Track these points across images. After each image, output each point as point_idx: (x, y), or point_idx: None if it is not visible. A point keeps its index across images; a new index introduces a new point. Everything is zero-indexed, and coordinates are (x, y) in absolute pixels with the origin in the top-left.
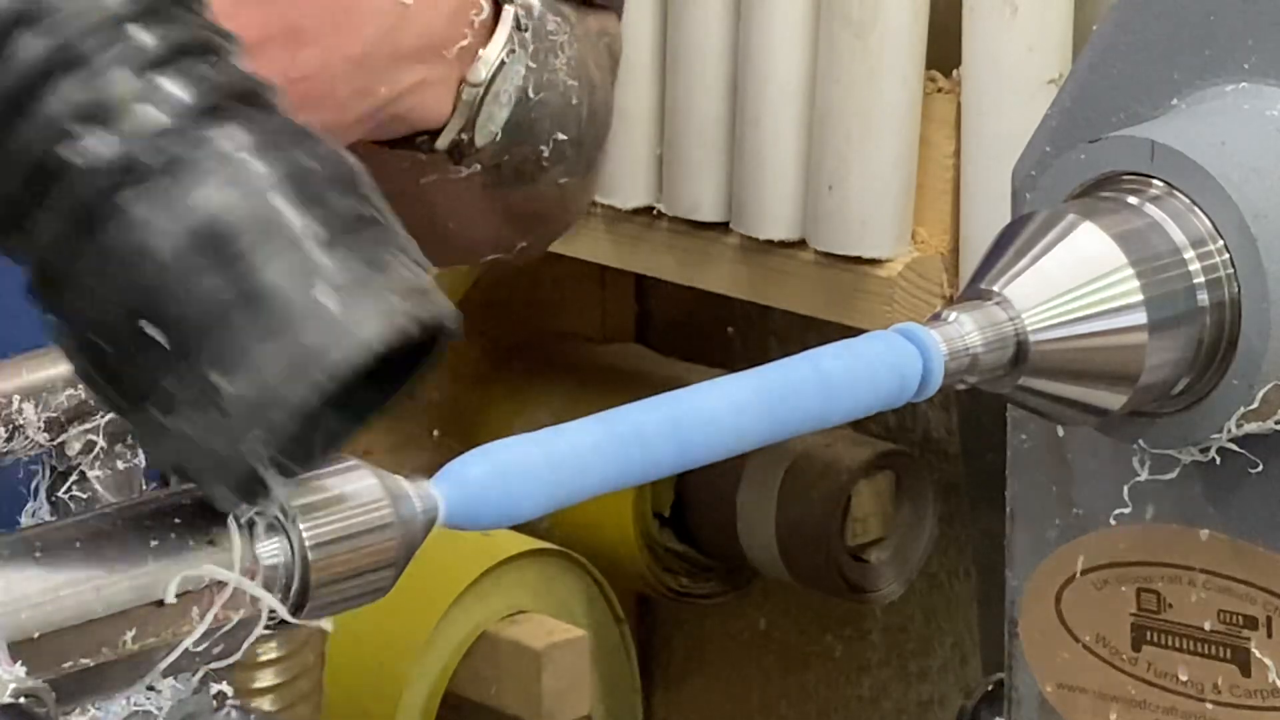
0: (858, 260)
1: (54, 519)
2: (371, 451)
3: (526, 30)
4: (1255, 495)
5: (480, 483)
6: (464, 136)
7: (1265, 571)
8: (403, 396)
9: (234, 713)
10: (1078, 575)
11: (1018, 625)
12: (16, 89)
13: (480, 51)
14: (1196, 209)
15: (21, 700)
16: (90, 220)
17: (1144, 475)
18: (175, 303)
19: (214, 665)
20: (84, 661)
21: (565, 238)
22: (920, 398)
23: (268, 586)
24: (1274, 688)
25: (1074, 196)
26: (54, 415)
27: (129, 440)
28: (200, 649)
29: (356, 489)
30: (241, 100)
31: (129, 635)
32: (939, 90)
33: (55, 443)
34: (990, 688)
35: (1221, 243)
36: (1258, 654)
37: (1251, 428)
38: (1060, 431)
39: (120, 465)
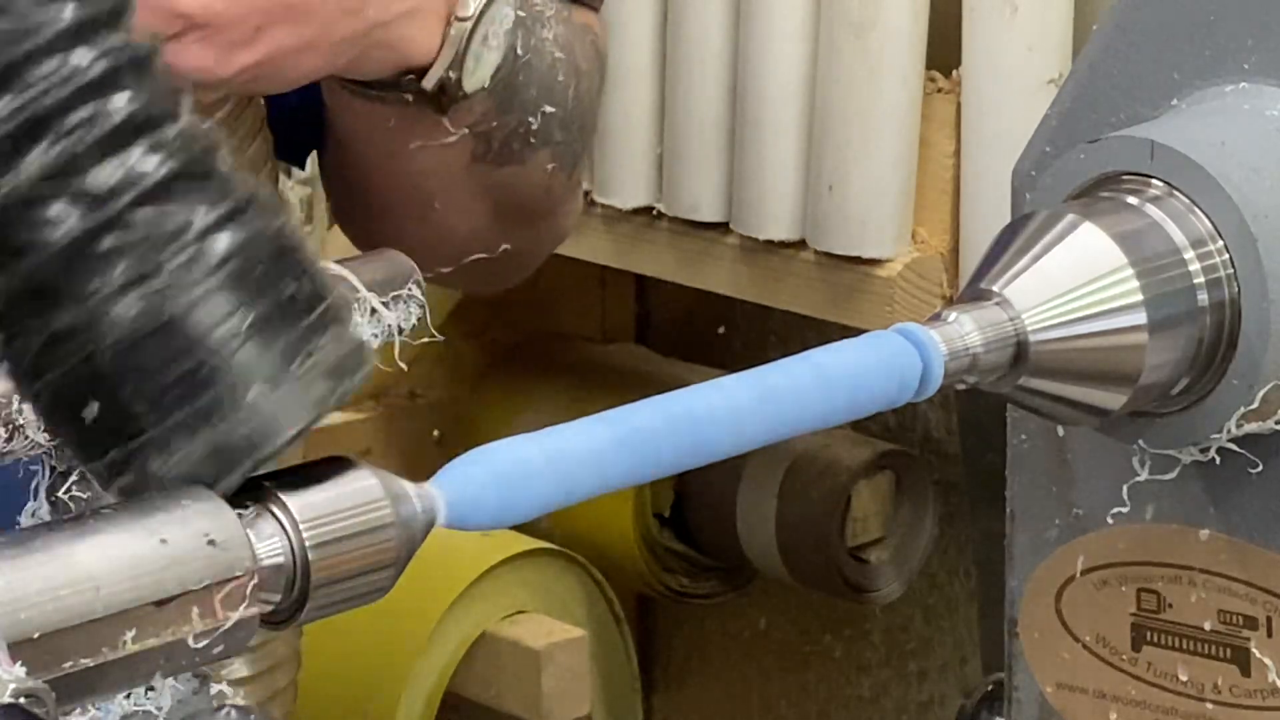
0: (858, 260)
1: (54, 519)
2: (371, 451)
3: None
4: (1255, 495)
5: (480, 483)
6: (451, 75)
7: (1265, 571)
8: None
9: (234, 713)
10: (1078, 575)
11: (1018, 625)
12: None
13: None
14: (1196, 209)
15: (21, 700)
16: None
17: (1144, 475)
18: (122, 391)
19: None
20: (84, 661)
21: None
22: (920, 398)
23: (268, 586)
24: (1274, 688)
25: (1074, 196)
26: None
27: None
28: (200, 648)
29: (356, 489)
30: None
31: (129, 635)
32: (939, 90)
33: (55, 443)
34: (990, 688)
35: (1221, 243)
36: (1258, 654)
37: (1251, 428)
38: (1060, 431)
39: None
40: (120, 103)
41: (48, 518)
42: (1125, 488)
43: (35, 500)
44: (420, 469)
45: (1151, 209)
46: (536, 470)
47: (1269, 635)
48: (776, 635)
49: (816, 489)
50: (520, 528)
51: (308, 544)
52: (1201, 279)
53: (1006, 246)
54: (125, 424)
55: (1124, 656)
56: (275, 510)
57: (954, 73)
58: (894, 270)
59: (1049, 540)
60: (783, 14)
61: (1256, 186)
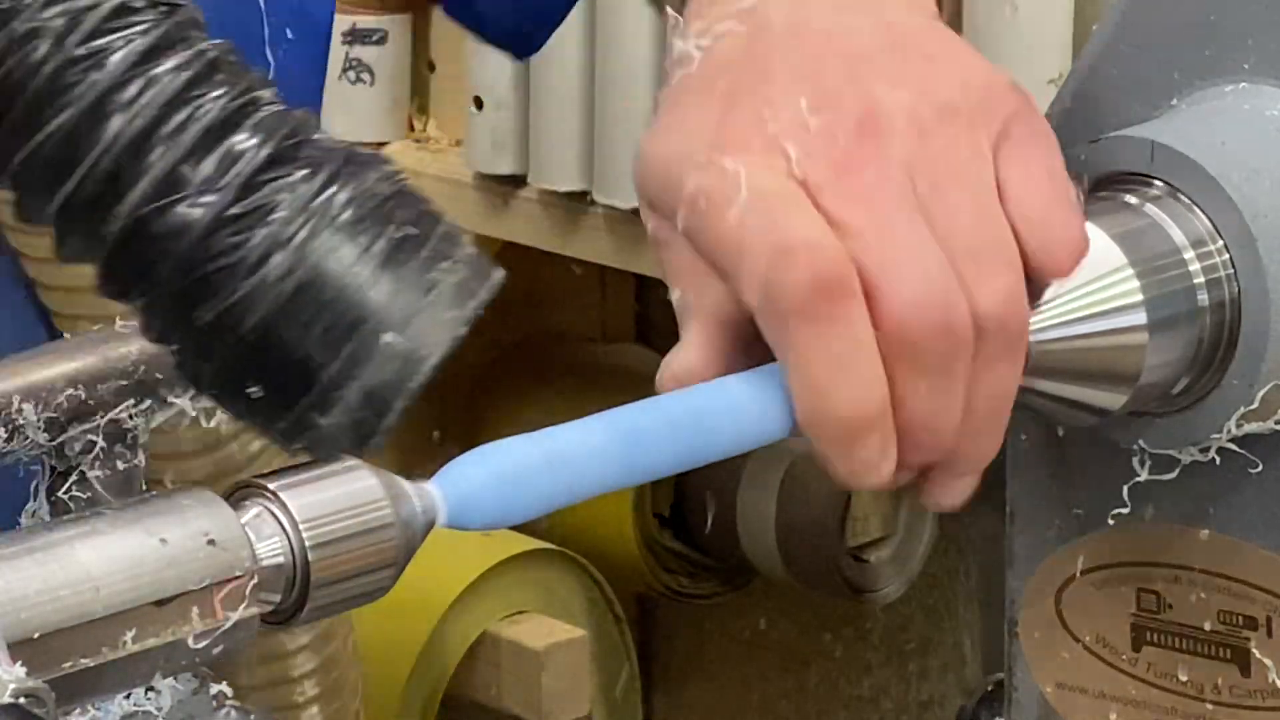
0: None
1: (54, 519)
2: None
3: None
4: (1255, 495)
5: (480, 483)
6: None
7: (1265, 571)
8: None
9: (234, 713)
10: (1078, 575)
11: (1018, 625)
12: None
13: None
14: (1196, 209)
15: (21, 700)
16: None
17: (1144, 475)
18: (273, 362)
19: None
20: (84, 661)
21: (565, 238)
22: None
23: (268, 586)
24: (1274, 688)
25: None
26: (54, 415)
27: (129, 440)
28: (200, 648)
29: (356, 489)
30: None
31: (129, 635)
32: None
33: (55, 443)
34: (990, 688)
35: (1221, 243)
36: (1258, 654)
37: (1251, 428)
38: (1060, 431)
39: (120, 465)
40: (215, 94)
41: (48, 518)
42: (1125, 488)
43: (35, 500)
44: (420, 469)
45: (1151, 209)
46: (536, 470)
47: (1269, 635)
48: (776, 635)
49: (817, 489)
50: (520, 528)
51: (308, 544)
52: (1201, 279)
53: None
54: (285, 394)
55: (1124, 657)
56: (275, 510)
57: None
58: None
59: (1049, 540)
60: None
61: (1256, 186)
